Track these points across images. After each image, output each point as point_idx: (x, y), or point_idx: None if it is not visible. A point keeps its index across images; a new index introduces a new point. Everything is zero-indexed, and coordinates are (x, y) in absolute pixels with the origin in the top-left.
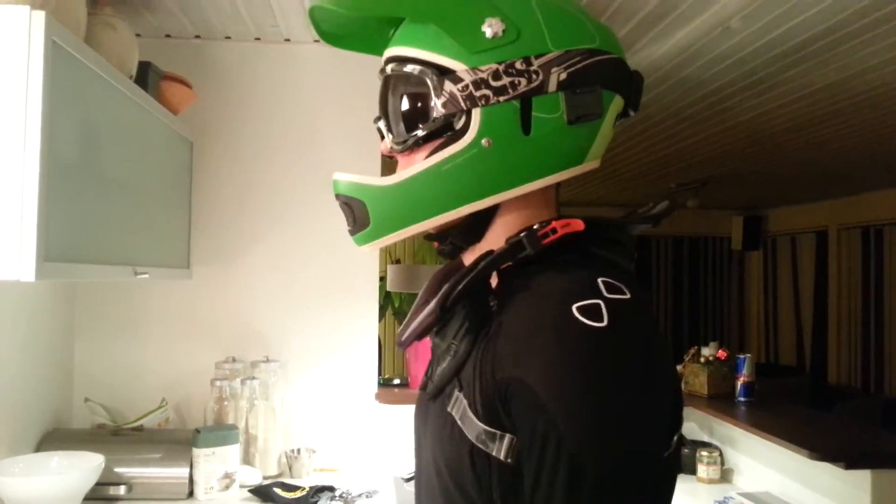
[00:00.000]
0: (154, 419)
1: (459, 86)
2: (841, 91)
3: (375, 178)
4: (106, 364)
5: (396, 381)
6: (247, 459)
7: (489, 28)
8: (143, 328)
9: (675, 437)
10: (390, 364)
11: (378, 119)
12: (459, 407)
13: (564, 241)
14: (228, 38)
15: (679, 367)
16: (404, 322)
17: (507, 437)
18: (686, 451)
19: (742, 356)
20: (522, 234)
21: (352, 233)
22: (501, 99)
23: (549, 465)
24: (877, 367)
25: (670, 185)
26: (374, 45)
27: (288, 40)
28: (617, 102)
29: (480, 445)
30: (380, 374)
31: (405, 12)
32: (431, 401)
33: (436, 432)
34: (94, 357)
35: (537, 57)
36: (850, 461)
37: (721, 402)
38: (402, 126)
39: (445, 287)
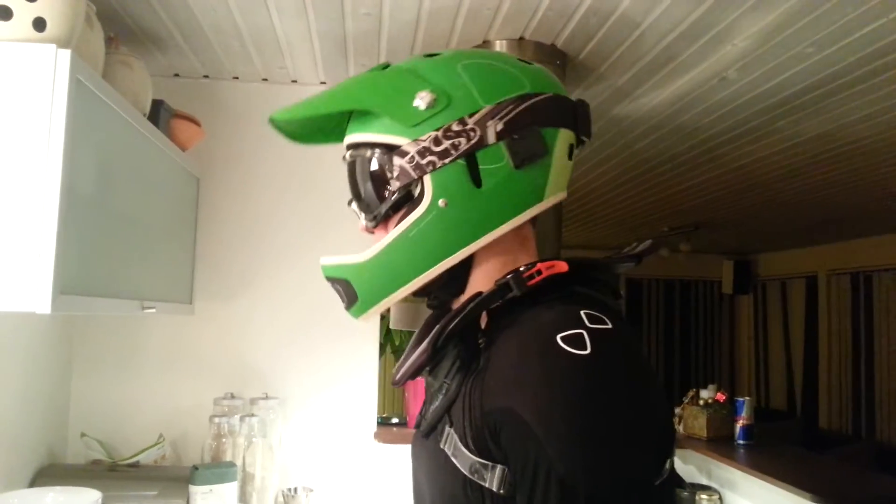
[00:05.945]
0: (151, 455)
1: (406, 158)
2: (831, 141)
3: (352, 256)
4: (103, 399)
5: (395, 420)
6: (243, 498)
7: (421, 101)
8: (141, 363)
9: (668, 465)
10: (389, 402)
11: (350, 202)
12: (451, 443)
13: (550, 281)
14: (236, 78)
15: (677, 410)
16: (399, 362)
17: (499, 467)
18: (686, 494)
19: (741, 399)
20: (509, 276)
21: (346, 308)
22: (447, 161)
23: (540, 490)
24: (867, 413)
25: (663, 229)
26: (336, 136)
27: (295, 81)
28: (564, 136)
29: (474, 477)
30: (378, 412)
31: (346, 107)
32: (424, 439)
33: (430, 470)
34: (90, 392)
35: (471, 115)
36: None
37: (720, 444)
38: (370, 204)
39: (437, 327)
